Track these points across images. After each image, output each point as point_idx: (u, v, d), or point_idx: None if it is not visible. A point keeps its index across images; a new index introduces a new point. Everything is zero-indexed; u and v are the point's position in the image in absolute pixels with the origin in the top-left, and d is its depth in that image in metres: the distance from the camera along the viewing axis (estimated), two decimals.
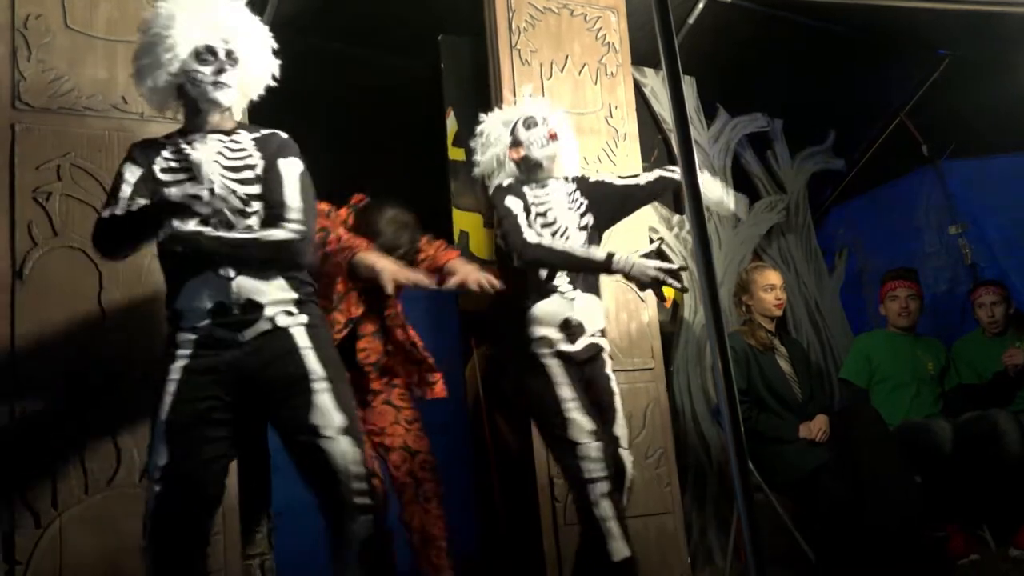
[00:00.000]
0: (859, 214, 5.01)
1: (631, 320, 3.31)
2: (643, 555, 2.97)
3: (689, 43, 4.05)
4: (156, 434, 1.99)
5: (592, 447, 2.37)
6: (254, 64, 2.19)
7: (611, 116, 3.54)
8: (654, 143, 4.19)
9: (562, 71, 3.46)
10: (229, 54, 2.12)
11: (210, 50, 2.10)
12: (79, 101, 2.58)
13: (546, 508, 2.97)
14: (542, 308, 2.54)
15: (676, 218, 4.06)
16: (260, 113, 2.68)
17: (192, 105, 2.15)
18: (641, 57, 4.12)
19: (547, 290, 2.55)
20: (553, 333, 2.52)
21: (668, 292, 4.07)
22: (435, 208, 3.53)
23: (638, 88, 4.19)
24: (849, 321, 4.72)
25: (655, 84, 4.20)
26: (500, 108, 2.91)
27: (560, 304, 2.54)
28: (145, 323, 2.51)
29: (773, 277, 3.79)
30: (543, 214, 2.61)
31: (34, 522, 2.31)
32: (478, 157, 2.81)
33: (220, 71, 2.10)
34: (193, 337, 2.03)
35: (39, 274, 2.43)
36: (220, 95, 2.11)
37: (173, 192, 1.95)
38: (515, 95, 3.28)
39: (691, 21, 4.12)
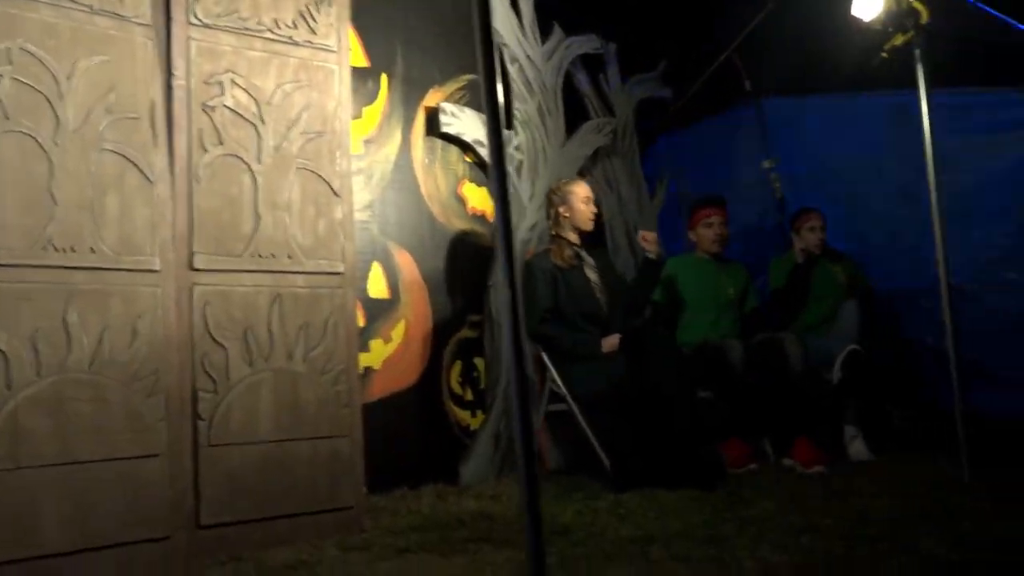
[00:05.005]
0: (683, 143, 5.16)
1: (319, 216, 2.86)
2: (311, 481, 2.71)
3: None
4: None
5: None
6: None
7: None
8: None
9: None
10: None
11: None
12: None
13: (186, 427, 2.52)
14: None
15: (504, 133, 4.05)
16: None
17: None
18: None
19: None
20: None
21: None
22: None
23: None
24: (666, 246, 4.91)
25: None
26: None
27: None
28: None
29: (590, 190, 3.90)
30: None
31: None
32: None
33: None
34: None
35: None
36: None
37: None
38: None
39: None
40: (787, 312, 4.19)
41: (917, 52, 3.11)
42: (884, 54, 3.22)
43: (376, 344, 3.59)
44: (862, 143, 4.65)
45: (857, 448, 3.76)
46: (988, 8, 4.16)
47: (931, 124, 3.03)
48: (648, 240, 3.82)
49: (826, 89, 4.79)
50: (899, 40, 3.19)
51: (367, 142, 3.69)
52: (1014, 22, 4.14)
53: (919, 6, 3.17)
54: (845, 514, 2.59)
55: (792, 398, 3.73)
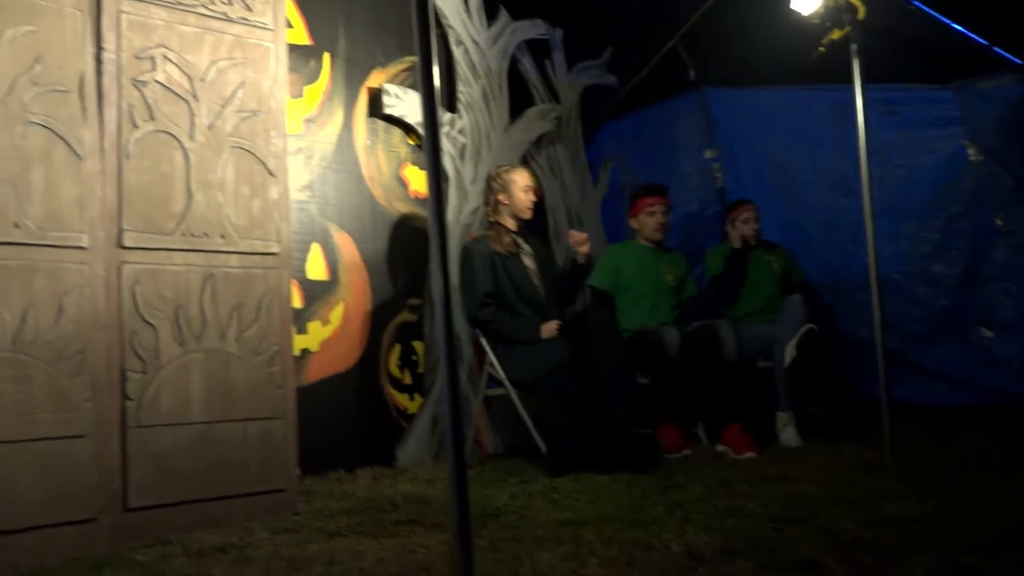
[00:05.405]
0: (627, 131, 5.21)
1: (254, 195, 2.79)
2: (242, 463, 2.65)
3: None
4: None
5: None
6: None
7: None
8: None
9: None
10: None
11: None
12: None
13: (114, 408, 2.46)
14: None
15: (447, 116, 4.04)
16: None
17: None
18: None
19: None
20: None
21: None
22: None
23: None
24: (608, 233, 4.95)
25: None
26: None
27: None
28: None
29: (530, 178, 3.88)
30: None
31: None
32: None
33: None
34: None
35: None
36: None
37: None
38: None
39: None
40: (726, 296, 4.26)
41: (853, 47, 3.16)
42: (821, 48, 3.28)
43: (314, 326, 3.56)
44: (801, 136, 4.75)
45: (788, 435, 3.84)
46: (924, 7, 4.26)
47: (866, 118, 3.09)
48: (577, 241, 3.78)
49: (768, 82, 4.86)
50: (836, 35, 3.24)
51: (308, 121, 3.65)
52: (948, 20, 4.24)
53: (856, 2, 3.23)
54: (772, 498, 2.64)
55: (726, 385, 3.79)
